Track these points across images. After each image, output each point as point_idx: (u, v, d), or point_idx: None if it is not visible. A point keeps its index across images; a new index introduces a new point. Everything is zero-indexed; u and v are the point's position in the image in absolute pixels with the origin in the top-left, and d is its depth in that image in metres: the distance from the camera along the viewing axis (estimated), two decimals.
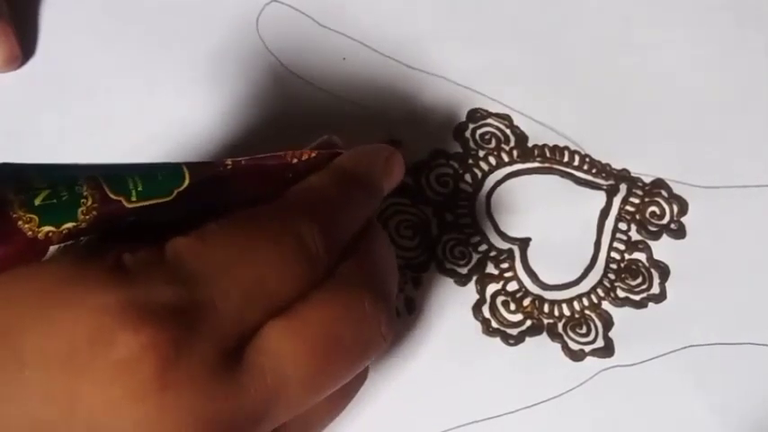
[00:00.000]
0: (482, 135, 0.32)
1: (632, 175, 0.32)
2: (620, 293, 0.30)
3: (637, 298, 0.30)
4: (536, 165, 0.32)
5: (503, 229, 0.31)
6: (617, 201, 0.32)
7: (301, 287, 0.19)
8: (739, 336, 0.30)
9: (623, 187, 0.32)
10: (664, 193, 0.32)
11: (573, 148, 0.32)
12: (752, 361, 0.30)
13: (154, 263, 0.17)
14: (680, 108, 0.33)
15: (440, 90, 0.33)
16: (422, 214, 0.31)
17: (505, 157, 0.32)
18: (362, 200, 0.22)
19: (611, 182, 0.32)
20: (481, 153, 0.32)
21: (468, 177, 0.31)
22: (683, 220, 0.31)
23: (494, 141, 0.32)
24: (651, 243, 0.31)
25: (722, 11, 0.35)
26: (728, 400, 0.29)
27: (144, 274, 0.16)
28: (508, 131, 0.32)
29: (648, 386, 0.29)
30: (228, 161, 0.19)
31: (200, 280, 0.17)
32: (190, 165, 0.19)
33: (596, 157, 0.32)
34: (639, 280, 0.30)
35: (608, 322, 0.30)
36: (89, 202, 0.16)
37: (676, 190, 0.32)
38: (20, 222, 0.15)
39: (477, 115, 0.32)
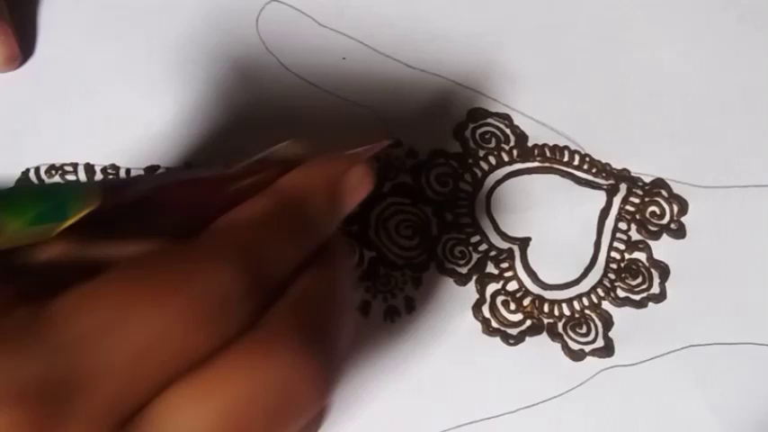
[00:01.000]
0: (482, 135, 0.32)
1: (632, 174, 0.32)
2: (621, 293, 0.30)
3: (637, 298, 0.30)
4: (536, 164, 0.32)
5: (503, 228, 0.31)
6: (617, 200, 0.32)
7: (213, 343, 0.16)
8: (739, 336, 0.30)
9: (623, 187, 0.32)
10: (664, 192, 0.32)
11: (573, 147, 0.32)
12: (752, 361, 0.30)
13: (27, 326, 0.14)
14: (680, 108, 0.33)
15: (440, 90, 0.33)
16: (422, 214, 0.31)
17: (505, 157, 0.32)
18: (304, 230, 0.19)
19: (611, 181, 0.32)
20: (481, 153, 0.32)
21: (468, 177, 0.31)
22: (683, 219, 0.31)
23: (494, 141, 0.32)
24: (651, 243, 0.31)
25: (722, 11, 0.35)
26: (728, 400, 0.29)
27: (13, 342, 0.14)
28: (508, 131, 0.32)
29: (648, 386, 0.29)
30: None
31: (81, 346, 0.14)
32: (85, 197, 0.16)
33: (596, 156, 0.32)
34: (639, 280, 0.30)
35: (608, 322, 0.30)
36: None
37: (676, 190, 0.32)
38: None
39: (476, 115, 0.32)
